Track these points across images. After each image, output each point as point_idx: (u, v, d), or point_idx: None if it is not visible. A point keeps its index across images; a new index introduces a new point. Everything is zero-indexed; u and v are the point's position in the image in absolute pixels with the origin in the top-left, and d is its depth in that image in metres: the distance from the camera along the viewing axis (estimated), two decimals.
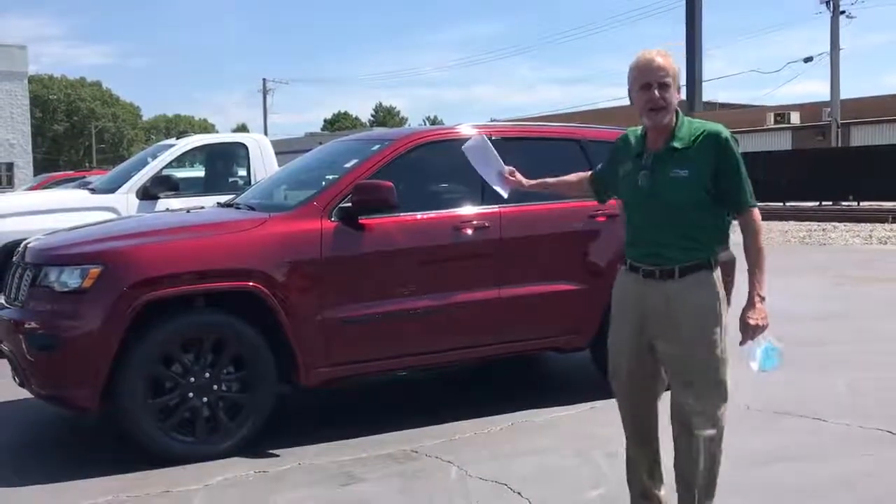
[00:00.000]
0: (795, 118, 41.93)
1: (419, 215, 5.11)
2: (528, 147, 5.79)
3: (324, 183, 5.22)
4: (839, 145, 35.14)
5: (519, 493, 3.89)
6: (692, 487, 3.10)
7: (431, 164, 5.49)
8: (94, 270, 4.35)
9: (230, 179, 9.31)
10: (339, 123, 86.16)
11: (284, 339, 4.63)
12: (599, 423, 4.95)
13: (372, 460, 4.40)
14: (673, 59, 3.07)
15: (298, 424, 5.10)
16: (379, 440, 4.72)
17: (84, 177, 17.31)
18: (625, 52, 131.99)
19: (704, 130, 3.03)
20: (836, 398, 5.38)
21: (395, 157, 5.19)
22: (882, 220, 21.14)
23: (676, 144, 3.02)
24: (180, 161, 9.06)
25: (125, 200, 8.11)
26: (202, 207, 6.19)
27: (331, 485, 4.08)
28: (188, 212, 5.79)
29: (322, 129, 76.64)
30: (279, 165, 8.61)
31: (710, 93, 38.83)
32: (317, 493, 3.97)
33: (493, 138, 5.46)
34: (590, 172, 3.60)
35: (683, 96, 19.91)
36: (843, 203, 29.37)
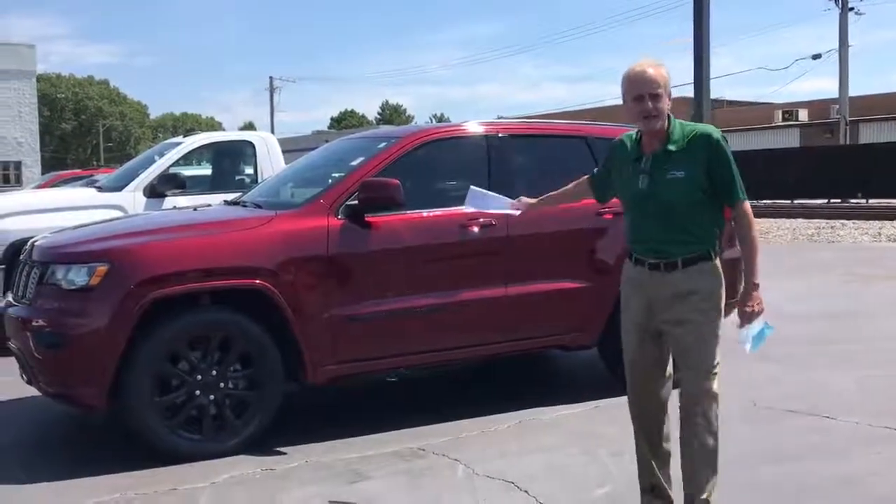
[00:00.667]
0: (804, 115, 41.78)
1: (426, 213, 5.10)
2: (535, 144, 5.80)
3: (330, 181, 5.22)
4: (847, 142, 35.01)
5: (526, 492, 3.89)
6: (693, 461, 3.21)
7: (438, 161, 5.49)
8: (102, 268, 4.36)
9: (237, 177, 9.31)
10: (345, 121, 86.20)
11: (291, 336, 4.63)
12: (605, 421, 4.94)
13: (379, 458, 4.40)
14: (664, 69, 3.22)
15: (305, 422, 5.10)
16: (385, 438, 4.72)
17: (91, 175, 17.37)
18: (628, 51, 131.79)
19: (696, 132, 3.24)
20: (844, 396, 5.36)
21: (402, 154, 5.19)
22: (891, 218, 21.05)
23: (671, 147, 3.20)
24: (187, 159, 9.06)
25: (132, 198, 8.12)
26: (209, 205, 6.19)
27: (338, 482, 4.08)
28: (195, 210, 5.78)
29: (329, 127, 76.74)
30: (286, 163, 8.62)
31: (716, 90, 38.80)
32: (324, 491, 3.97)
33: (500, 135, 5.51)
34: (587, 176, 3.75)
35: (690, 94, 19.81)
36: (852, 200, 29.26)
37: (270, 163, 9.01)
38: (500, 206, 4.02)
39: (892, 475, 4.01)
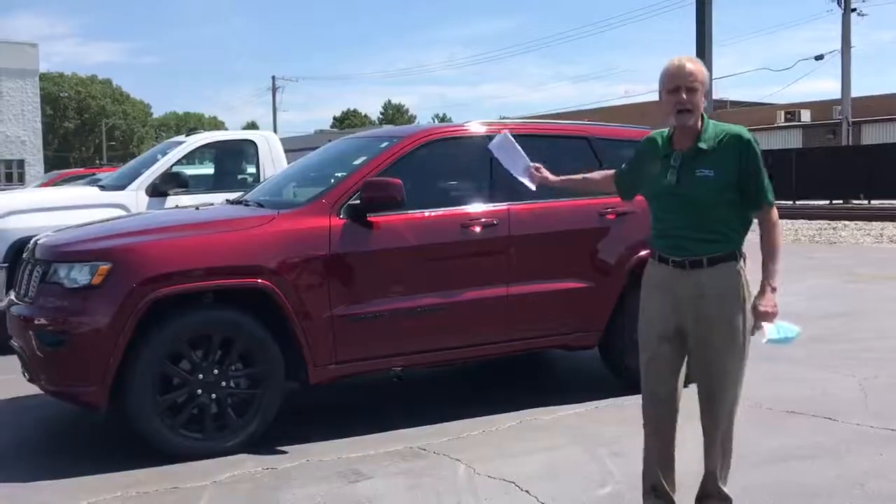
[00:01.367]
0: (806, 116, 41.78)
1: (428, 213, 5.10)
2: (537, 144, 5.78)
3: (332, 180, 5.23)
4: (850, 143, 34.98)
5: (527, 492, 3.89)
6: (713, 458, 3.30)
7: (440, 161, 5.49)
8: (104, 267, 4.37)
9: (239, 177, 9.32)
10: (348, 121, 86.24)
11: (292, 335, 4.63)
12: (606, 421, 4.95)
13: (380, 457, 4.41)
14: (703, 66, 3.22)
15: (306, 421, 5.10)
16: (386, 437, 4.72)
17: (94, 174, 17.36)
18: (634, 50, 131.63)
19: (728, 133, 3.20)
20: (847, 397, 5.36)
21: (404, 154, 5.19)
22: (893, 219, 21.04)
23: (702, 146, 3.19)
24: (190, 158, 9.06)
25: (135, 197, 8.12)
26: (211, 204, 6.20)
27: (339, 481, 4.08)
28: (197, 209, 5.79)
29: (331, 127, 76.69)
30: (288, 163, 8.62)
31: (719, 91, 38.74)
32: (325, 490, 3.97)
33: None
34: (613, 171, 3.70)
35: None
36: (854, 201, 29.25)
37: (272, 162, 9.02)
38: (518, 170, 3.85)
39: (894, 476, 4.01)
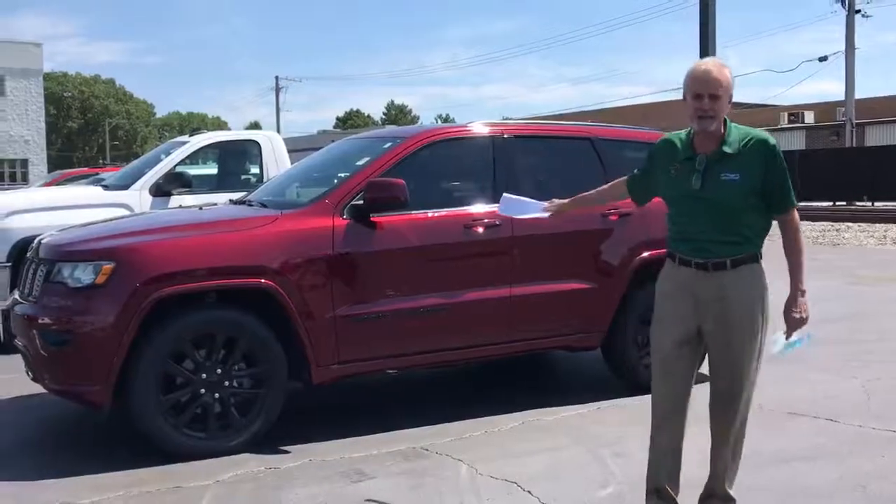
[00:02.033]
0: (809, 118, 41.72)
1: (430, 213, 5.11)
2: (540, 145, 5.80)
3: (336, 180, 5.23)
4: (854, 145, 34.93)
5: (529, 492, 3.89)
6: (722, 460, 3.33)
7: (443, 162, 5.50)
8: (107, 267, 4.38)
9: (242, 177, 9.32)
10: (351, 121, 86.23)
11: (295, 335, 4.64)
12: (608, 422, 4.95)
13: (382, 457, 4.41)
14: (728, 72, 3.21)
15: (309, 421, 5.11)
16: (389, 437, 4.73)
17: (97, 173, 17.39)
18: (636, 52, 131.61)
19: (752, 137, 3.22)
20: (850, 399, 5.35)
21: (407, 154, 5.19)
22: None
23: (727, 149, 3.20)
24: (193, 158, 9.07)
25: (138, 197, 8.13)
26: (214, 204, 6.21)
27: (341, 481, 4.09)
28: (200, 209, 5.80)
29: (334, 127, 76.68)
30: (291, 163, 8.63)
31: None
32: (327, 490, 3.98)
33: (506, 136, 5.51)
34: (625, 178, 3.70)
35: None
36: (858, 203, 29.19)
37: (276, 162, 9.03)
38: (535, 210, 4.00)
39: None
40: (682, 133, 3.37)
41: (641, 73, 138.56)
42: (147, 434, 4.41)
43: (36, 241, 5.07)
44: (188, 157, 8.79)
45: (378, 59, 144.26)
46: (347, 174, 5.20)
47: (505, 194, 4.18)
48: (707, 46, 18.89)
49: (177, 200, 8.10)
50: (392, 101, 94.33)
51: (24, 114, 44.08)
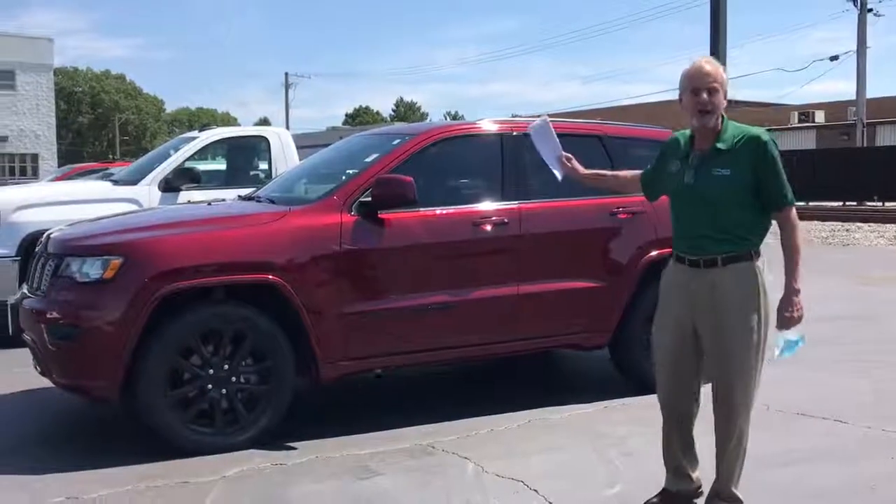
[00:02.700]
0: (820, 117, 41.56)
1: (439, 210, 5.10)
2: None
3: (344, 177, 5.22)
4: (864, 145, 34.77)
5: (535, 491, 3.88)
6: (723, 457, 3.34)
7: (452, 159, 5.48)
8: (116, 261, 4.38)
9: (251, 173, 9.33)
10: (360, 118, 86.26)
11: (303, 331, 4.64)
12: (615, 421, 4.93)
13: (389, 455, 4.41)
14: (722, 69, 3.31)
15: (316, 418, 5.11)
16: (396, 435, 4.73)
17: (107, 168, 17.45)
18: (645, 50, 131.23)
19: (746, 134, 3.26)
20: (857, 400, 5.33)
21: (416, 151, 5.18)
22: None
23: (720, 146, 3.25)
24: (202, 154, 9.09)
25: (147, 192, 8.15)
26: (223, 200, 6.22)
27: (348, 478, 4.09)
28: (209, 204, 5.81)
29: (343, 124, 76.71)
30: (300, 159, 8.63)
31: (732, 91, 38.49)
32: (334, 486, 3.98)
33: (514, 134, 5.48)
34: (640, 171, 3.76)
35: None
36: (868, 203, 29.06)
37: (285, 158, 9.04)
38: (552, 158, 3.95)
39: None
40: (688, 131, 3.42)
41: (648, 72, 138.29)
42: (154, 429, 4.41)
43: (45, 235, 5.09)
44: (197, 152, 8.80)
45: (387, 56, 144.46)
46: (356, 171, 5.20)
47: (544, 117, 4.10)
48: (718, 45, 18.80)
49: (186, 196, 8.11)
50: (401, 98, 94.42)
51: (35, 108, 44.26)
